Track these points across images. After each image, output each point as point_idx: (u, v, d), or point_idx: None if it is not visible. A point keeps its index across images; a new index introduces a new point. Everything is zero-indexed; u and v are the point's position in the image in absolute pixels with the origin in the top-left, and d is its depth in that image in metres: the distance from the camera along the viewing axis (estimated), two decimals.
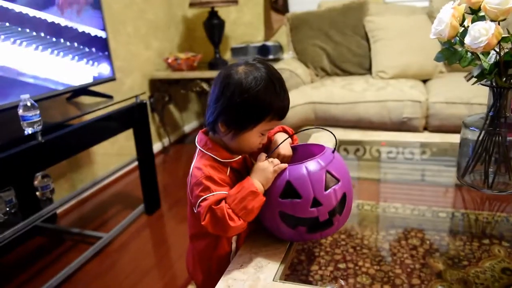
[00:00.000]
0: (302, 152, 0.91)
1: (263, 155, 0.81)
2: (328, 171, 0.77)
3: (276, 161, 0.79)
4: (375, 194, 1.34)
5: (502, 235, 1.03)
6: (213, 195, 0.76)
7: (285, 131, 0.96)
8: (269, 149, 0.90)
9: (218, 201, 0.76)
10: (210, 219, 0.75)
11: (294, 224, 0.79)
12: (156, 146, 2.99)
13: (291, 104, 2.47)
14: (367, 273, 0.90)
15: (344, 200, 0.79)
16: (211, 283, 0.82)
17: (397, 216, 1.19)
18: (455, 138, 1.37)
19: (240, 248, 0.85)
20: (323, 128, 0.92)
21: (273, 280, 0.71)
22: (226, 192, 0.77)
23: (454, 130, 1.90)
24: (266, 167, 0.78)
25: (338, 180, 0.78)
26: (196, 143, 0.86)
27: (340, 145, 1.49)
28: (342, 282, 0.89)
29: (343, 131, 1.99)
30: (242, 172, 0.85)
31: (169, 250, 1.79)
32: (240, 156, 0.84)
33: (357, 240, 1.05)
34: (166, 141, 3.10)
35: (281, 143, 0.88)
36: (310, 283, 0.91)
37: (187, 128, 3.45)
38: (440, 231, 1.09)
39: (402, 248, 0.99)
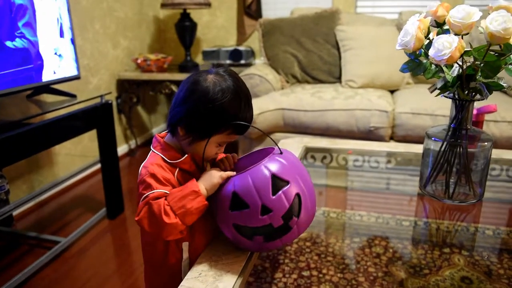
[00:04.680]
0: (254, 160, 0.88)
1: (212, 168, 0.81)
2: (274, 175, 0.74)
3: (225, 173, 0.79)
4: (341, 202, 1.34)
5: (462, 244, 1.05)
6: (152, 192, 0.76)
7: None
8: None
9: (157, 197, 0.75)
10: (146, 214, 0.74)
11: (250, 234, 0.76)
12: (122, 148, 2.91)
13: (261, 110, 2.45)
14: (331, 281, 0.90)
15: (299, 202, 0.76)
16: None
17: (362, 224, 1.20)
18: (418, 149, 1.40)
19: (199, 256, 0.83)
20: (256, 128, 0.91)
21: None
22: (167, 191, 0.77)
23: (419, 140, 1.95)
24: (213, 173, 0.78)
25: (287, 182, 0.74)
26: (151, 146, 0.86)
27: (308, 152, 1.50)
28: None
29: (311, 138, 1.99)
30: (193, 173, 0.84)
31: (131, 256, 1.74)
32: (186, 156, 0.82)
33: (322, 248, 1.05)
34: (133, 143, 3.03)
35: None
36: None
37: (155, 130, 3.39)
38: (403, 239, 1.10)
39: (365, 256, 0.99)
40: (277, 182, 0.74)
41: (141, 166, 0.82)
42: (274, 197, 0.72)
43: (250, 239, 0.77)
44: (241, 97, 0.79)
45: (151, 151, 0.85)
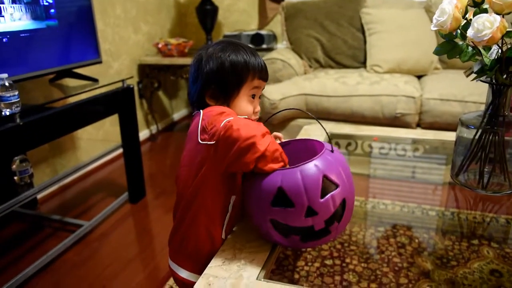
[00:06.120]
0: (299, 148, 0.85)
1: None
2: (325, 176, 0.68)
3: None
4: (365, 190, 1.31)
5: (492, 236, 1.01)
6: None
7: None
8: None
9: None
10: (235, 121, 0.70)
11: (287, 232, 0.72)
12: (144, 133, 2.93)
13: (283, 95, 2.40)
14: (354, 270, 0.88)
15: (343, 206, 0.71)
16: (197, 267, 0.79)
17: (386, 213, 1.17)
18: (448, 136, 1.34)
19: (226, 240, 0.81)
20: (312, 117, 0.87)
21: (256, 279, 0.67)
22: None
23: (447, 127, 1.88)
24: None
25: (337, 186, 0.69)
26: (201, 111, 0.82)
27: (332, 139, 1.46)
28: None
29: (335, 124, 1.95)
30: None
31: (152, 240, 1.75)
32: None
33: (345, 237, 1.02)
34: (154, 128, 3.04)
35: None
36: (295, 279, 0.88)
37: (176, 116, 3.39)
38: (429, 229, 1.07)
39: (390, 246, 0.97)
40: (327, 184, 0.69)
41: (201, 114, 0.78)
42: (322, 200, 0.68)
43: (285, 236, 0.72)
44: (243, 46, 0.83)
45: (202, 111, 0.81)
